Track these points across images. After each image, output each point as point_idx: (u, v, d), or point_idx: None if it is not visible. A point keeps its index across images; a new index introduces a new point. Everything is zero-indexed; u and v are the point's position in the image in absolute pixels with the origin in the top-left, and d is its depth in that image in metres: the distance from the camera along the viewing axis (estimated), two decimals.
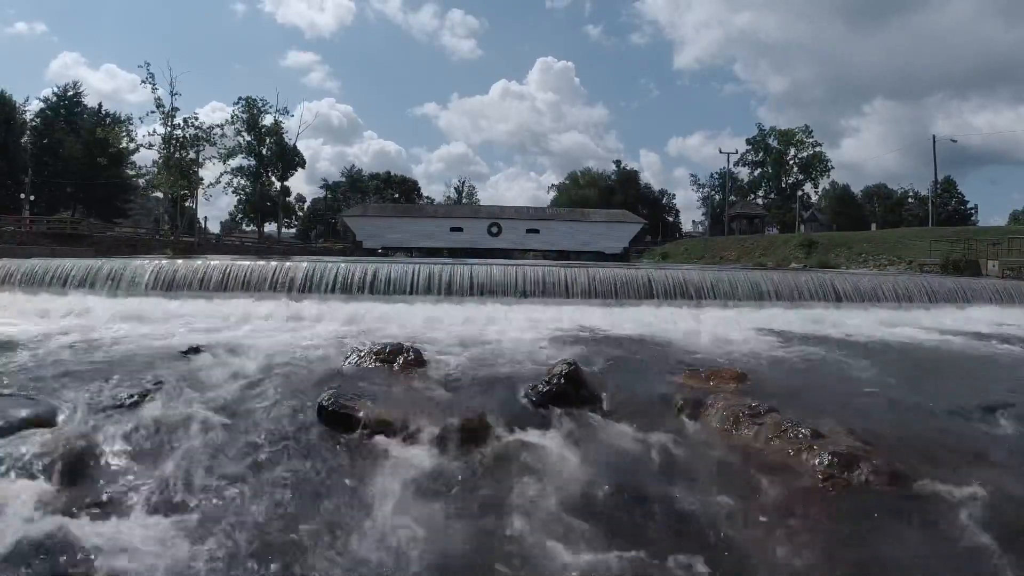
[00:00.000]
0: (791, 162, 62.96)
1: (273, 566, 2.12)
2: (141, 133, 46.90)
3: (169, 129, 42.70)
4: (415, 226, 48.11)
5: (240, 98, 53.14)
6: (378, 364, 4.98)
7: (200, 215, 51.53)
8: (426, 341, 6.41)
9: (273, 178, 56.23)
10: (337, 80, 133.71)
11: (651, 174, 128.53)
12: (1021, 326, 9.31)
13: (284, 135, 54.35)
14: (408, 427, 3.32)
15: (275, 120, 53.25)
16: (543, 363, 5.27)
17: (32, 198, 41.09)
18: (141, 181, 50.69)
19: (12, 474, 2.72)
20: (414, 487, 2.76)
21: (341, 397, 3.61)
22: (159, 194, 47.68)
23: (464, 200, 76.80)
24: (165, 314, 8.40)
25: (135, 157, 48.37)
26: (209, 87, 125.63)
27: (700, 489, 2.81)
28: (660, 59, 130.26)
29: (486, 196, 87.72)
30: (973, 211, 64.95)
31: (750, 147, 64.13)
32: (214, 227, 61.46)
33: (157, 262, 11.37)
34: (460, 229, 47.88)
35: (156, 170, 45.47)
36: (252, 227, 58.08)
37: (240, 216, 59.22)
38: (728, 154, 58.45)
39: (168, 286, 10.33)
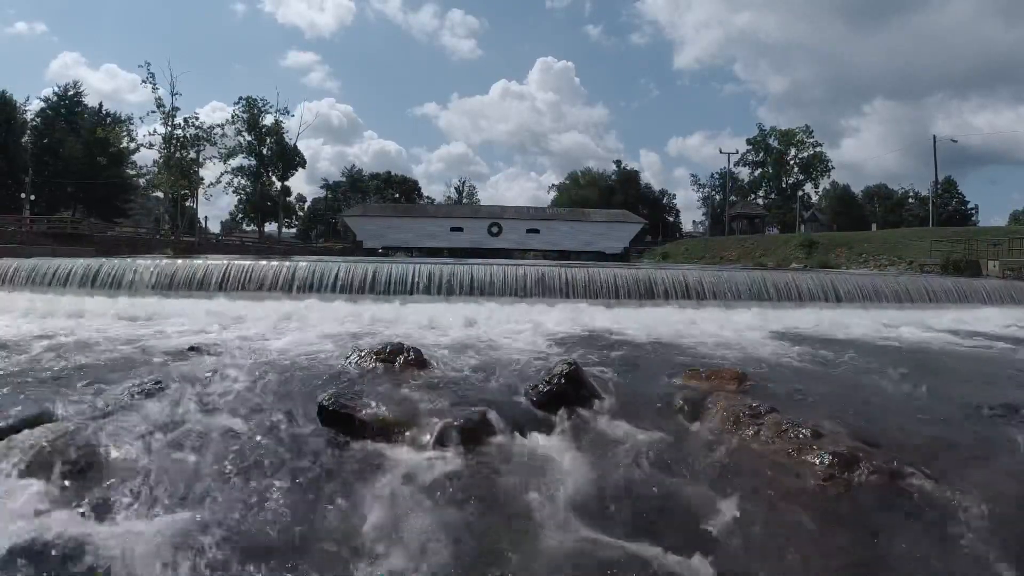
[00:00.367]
0: (791, 162, 62.97)
1: (273, 565, 2.12)
2: (141, 133, 47.23)
3: (169, 129, 42.75)
4: (415, 226, 48.13)
5: (240, 98, 53.32)
6: (378, 364, 4.97)
7: (200, 215, 51.70)
8: (426, 341, 6.41)
9: (273, 178, 56.31)
10: (337, 80, 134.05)
11: (651, 174, 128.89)
12: (1021, 326, 9.31)
13: (284, 135, 54.44)
14: (408, 427, 3.32)
15: (275, 120, 53.41)
16: (543, 363, 5.27)
17: (33, 198, 41.11)
18: (141, 181, 50.81)
19: (12, 473, 2.72)
20: (414, 487, 2.76)
21: (341, 397, 3.60)
22: (159, 194, 47.72)
23: (464, 200, 76.84)
24: (165, 313, 8.41)
25: (135, 157, 48.60)
26: (209, 87, 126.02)
27: (700, 489, 2.81)
28: (660, 59, 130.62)
29: (486, 196, 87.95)
30: (973, 211, 65.02)
31: (750, 147, 64.18)
32: (214, 227, 61.61)
33: (157, 262, 11.38)
34: (460, 229, 47.90)
35: (156, 170, 45.52)
36: (252, 227, 58.13)
37: (240, 216, 59.28)
38: (728, 154, 58.55)
39: (168, 286, 10.34)
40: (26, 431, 3.16)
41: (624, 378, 4.82)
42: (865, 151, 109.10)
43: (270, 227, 58.88)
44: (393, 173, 78.77)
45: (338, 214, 61.31)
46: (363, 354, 5.14)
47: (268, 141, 53.86)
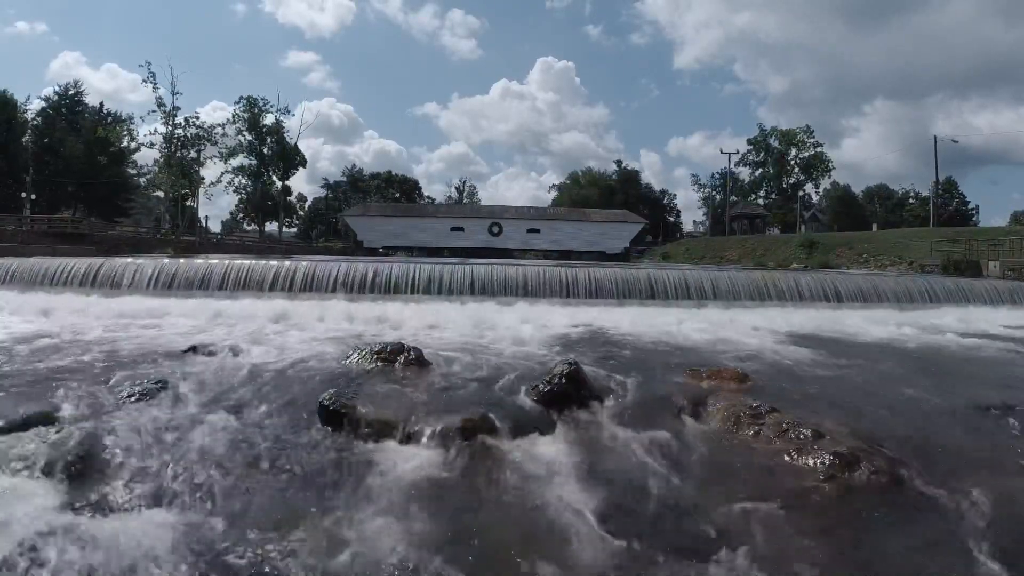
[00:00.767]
0: (792, 162, 62.93)
1: (274, 564, 2.12)
2: (142, 132, 47.18)
3: (170, 128, 42.77)
4: (416, 226, 48.09)
5: (241, 97, 53.31)
6: (379, 363, 4.97)
7: (201, 214, 51.61)
8: (427, 341, 6.41)
9: (274, 177, 56.28)
10: (337, 80, 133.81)
11: (652, 174, 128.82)
12: (1022, 327, 9.30)
13: (285, 134, 54.42)
14: (409, 427, 3.32)
15: (276, 119, 53.39)
16: (544, 363, 5.27)
17: (33, 197, 41.16)
18: (142, 180, 50.84)
19: (14, 472, 2.73)
20: (415, 487, 2.76)
21: (342, 396, 3.61)
22: (160, 193, 47.74)
23: (465, 200, 76.78)
24: (166, 313, 8.41)
25: (136, 156, 48.70)
26: (210, 87, 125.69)
27: (701, 489, 2.81)
28: (660, 59, 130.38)
29: (487, 196, 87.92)
30: (974, 212, 64.89)
31: (751, 147, 64.10)
32: (215, 226, 61.49)
33: (158, 261, 11.38)
34: (461, 229, 47.85)
35: (157, 169, 45.57)
36: (253, 226, 58.12)
37: (241, 215, 59.28)
38: (729, 154, 58.47)
39: (169, 285, 10.35)
40: (26, 430, 3.17)
41: (625, 378, 4.81)
42: (866, 151, 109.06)
43: (271, 227, 58.88)
44: (394, 173, 78.72)
45: (339, 214, 61.29)
46: (364, 354, 5.14)
47: (269, 141, 53.86)
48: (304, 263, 11.02)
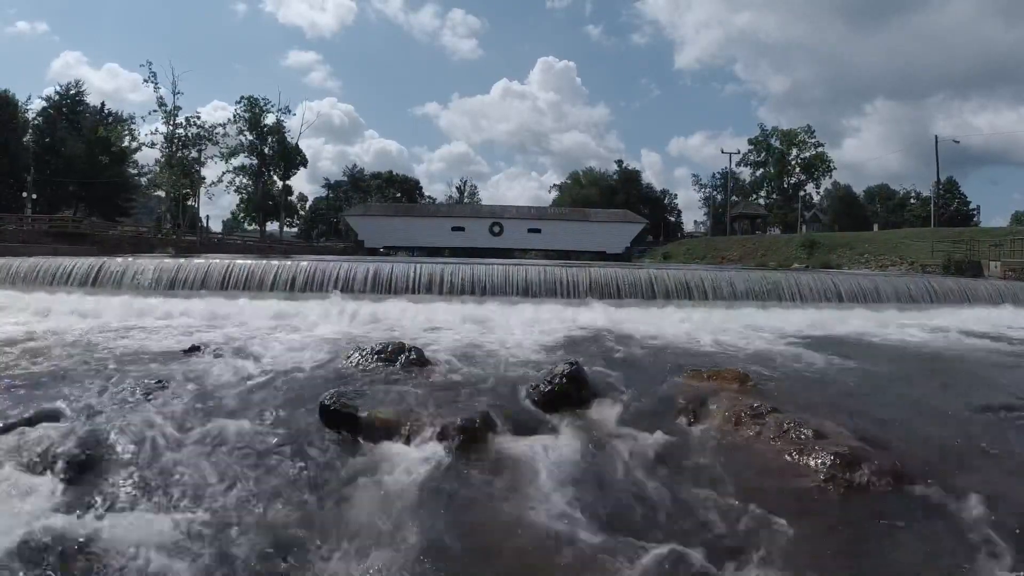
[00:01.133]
0: (793, 162, 62.85)
1: (274, 564, 2.13)
2: (143, 132, 47.14)
3: (171, 128, 42.76)
4: (417, 225, 48.06)
5: (242, 97, 53.30)
6: (380, 363, 4.98)
7: (202, 214, 51.44)
8: (428, 340, 6.41)
9: (275, 177, 56.26)
10: (338, 80, 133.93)
11: (652, 174, 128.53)
12: (1022, 327, 9.29)
13: (286, 134, 54.41)
14: (410, 426, 3.33)
15: (277, 119, 53.38)
16: (545, 363, 5.27)
17: (34, 197, 41.17)
18: (143, 180, 50.83)
19: (15, 471, 2.73)
20: (416, 486, 2.76)
21: (343, 396, 3.61)
22: (161, 193, 47.72)
23: (466, 200, 76.74)
24: (167, 313, 8.41)
25: (137, 156, 48.64)
26: (211, 86, 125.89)
27: (702, 489, 2.81)
28: (661, 59, 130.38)
29: (487, 196, 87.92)
30: (975, 212, 64.70)
31: (752, 147, 64.00)
32: (216, 226, 61.52)
33: (159, 261, 11.39)
34: (462, 228, 47.82)
35: (158, 169, 45.55)
36: (254, 226, 58.11)
37: (242, 215, 59.22)
38: (730, 154, 58.47)
39: (170, 285, 10.35)
40: (27, 429, 3.17)
41: (626, 378, 4.81)
42: (866, 151, 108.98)
43: (272, 226, 58.83)
44: (394, 172, 78.67)
45: (340, 213, 61.29)
46: (364, 353, 5.14)
47: (270, 140, 53.85)
48: (305, 263, 11.02)
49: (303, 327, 7.51)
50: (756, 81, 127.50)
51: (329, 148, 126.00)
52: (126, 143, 46.74)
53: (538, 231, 48.40)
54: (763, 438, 3.36)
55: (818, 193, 65.51)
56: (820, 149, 62.65)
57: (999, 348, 7.48)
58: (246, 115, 52.56)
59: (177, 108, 42.78)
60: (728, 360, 5.90)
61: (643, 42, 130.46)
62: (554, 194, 76.19)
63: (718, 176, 68.33)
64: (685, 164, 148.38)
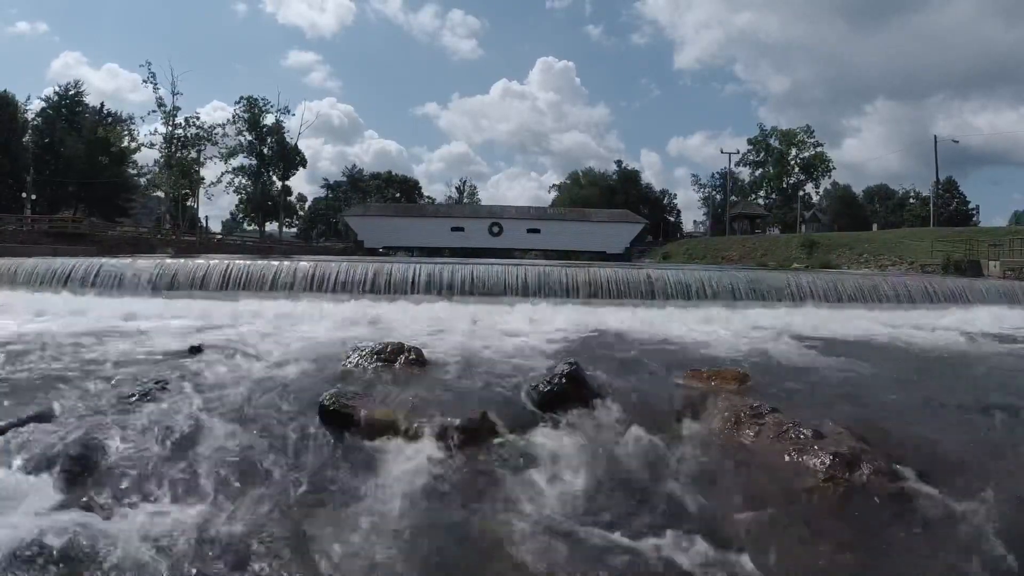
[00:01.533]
0: (792, 162, 62.89)
1: (274, 565, 2.12)
2: (143, 132, 47.17)
3: (171, 128, 42.88)
4: (416, 226, 48.06)
5: (241, 97, 53.44)
6: (379, 364, 4.97)
7: (201, 214, 51.64)
8: (427, 341, 6.41)
9: (274, 177, 56.34)
10: (338, 80, 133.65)
11: (652, 174, 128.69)
12: (1021, 327, 9.30)
13: (285, 134, 54.50)
14: (409, 427, 3.32)
15: (276, 119, 53.48)
16: (545, 362, 5.26)
17: (34, 197, 41.13)
18: (143, 180, 50.84)
19: (14, 472, 2.73)
20: (415, 486, 2.76)
21: (342, 396, 3.60)
22: (160, 193, 47.81)
23: (465, 200, 76.77)
24: (166, 313, 8.41)
25: (137, 156, 48.66)
26: (210, 87, 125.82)
27: (702, 489, 2.81)
28: (660, 59, 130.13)
29: (487, 196, 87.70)
30: (975, 212, 64.80)
31: (751, 147, 64.07)
32: (215, 226, 61.47)
33: (158, 261, 11.39)
34: (461, 229, 47.82)
35: (157, 169, 45.62)
36: (253, 226, 58.15)
37: (241, 216, 59.29)
38: (729, 154, 58.54)
39: (169, 285, 10.35)
40: (26, 430, 3.17)
41: (626, 378, 4.81)
42: (866, 151, 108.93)
43: (271, 227, 58.90)
44: (394, 173, 78.72)
45: (339, 214, 61.25)
46: (364, 354, 5.14)
47: (269, 141, 53.94)
48: (304, 263, 11.03)
49: (302, 327, 7.51)
50: (756, 81, 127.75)
51: (328, 148, 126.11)
52: (125, 143, 46.84)
53: (537, 231, 48.40)
54: (763, 438, 3.36)
55: (817, 193, 65.65)
56: (819, 149, 62.79)
57: (999, 348, 7.48)
58: (245, 115, 52.67)
59: (176, 108, 42.95)
60: (728, 360, 5.90)
61: (643, 42, 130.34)
62: (554, 194, 76.30)
63: (717, 176, 68.45)
64: (685, 164, 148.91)
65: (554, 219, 50.57)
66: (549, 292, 10.44)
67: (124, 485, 2.69)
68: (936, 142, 46.02)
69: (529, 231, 48.38)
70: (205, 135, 46.64)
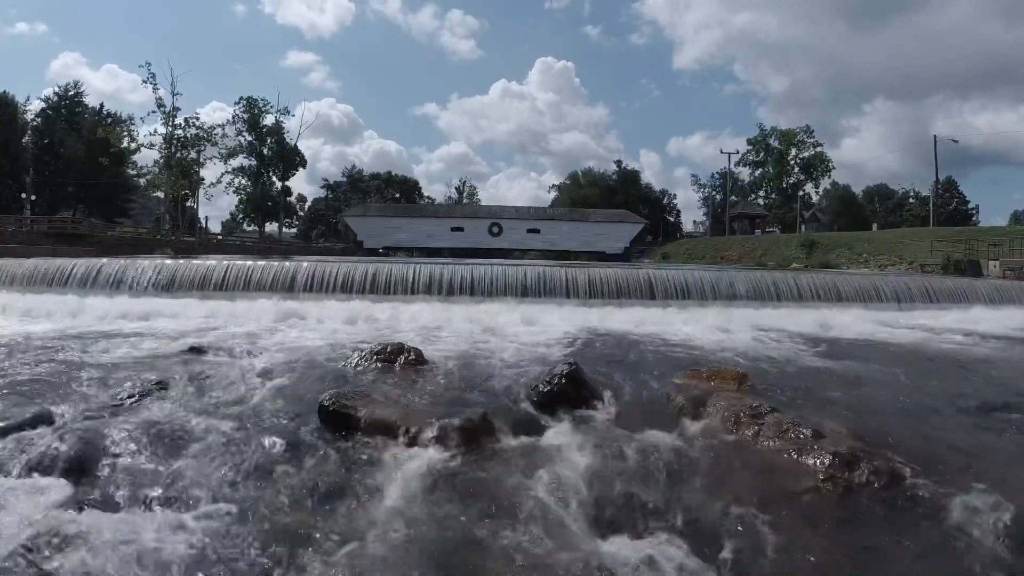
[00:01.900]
0: (792, 162, 62.91)
1: (273, 565, 2.13)
2: (142, 133, 47.19)
3: (170, 129, 42.88)
4: (416, 226, 48.05)
5: (241, 98, 53.42)
6: (379, 364, 4.98)
7: (201, 215, 51.64)
8: (427, 341, 6.42)
9: (274, 178, 56.33)
10: (337, 80, 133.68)
11: (652, 174, 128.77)
12: (1021, 327, 9.31)
13: (285, 135, 54.49)
14: (409, 427, 3.32)
15: (276, 120, 53.47)
16: (544, 363, 5.27)
17: (33, 198, 41.14)
18: (142, 181, 50.83)
19: (13, 472, 2.73)
20: (415, 487, 2.76)
21: (342, 397, 3.61)
22: (160, 194, 47.81)
23: (465, 200, 76.74)
24: (166, 314, 8.42)
25: (136, 157, 48.67)
26: (210, 87, 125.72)
27: (701, 489, 2.81)
28: (660, 59, 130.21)
29: (487, 196, 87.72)
30: (974, 211, 64.88)
31: (751, 147, 64.08)
32: (215, 227, 61.57)
33: (158, 262, 11.38)
34: (461, 229, 47.81)
35: (157, 170, 45.63)
36: (253, 227, 58.13)
37: (241, 216, 59.26)
38: (729, 154, 58.52)
39: (169, 286, 10.35)
40: (26, 431, 3.17)
41: (625, 378, 4.82)
42: (866, 151, 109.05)
43: (271, 227, 58.90)
44: (393, 173, 78.71)
45: (339, 214, 61.29)
46: (364, 354, 5.15)
47: (268, 141, 53.92)
48: (304, 264, 11.03)
49: (302, 328, 7.51)
50: (755, 81, 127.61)
51: (328, 149, 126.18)
52: (125, 144, 46.81)
53: (537, 231, 48.40)
54: (762, 438, 3.36)
55: (817, 193, 65.66)
56: (819, 149, 62.81)
57: (998, 348, 7.49)
58: (245, 116, 52.65)
59: (176, 109, 42.98)
60: (727, 360, 5.91)
61: (642, 42, 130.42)
62: (553, 194, 76.31)
63: (717, 176, 68.49)
64: (684, 164, 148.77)
65: (554, 219, 50.57)
66: (549, 292, 10.45)
67: (124, 486, 2.69)
68: (936, 142, 46.07)
69: (529, 231, 48.38)
70: (205, 135, 46.66)
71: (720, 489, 2.81)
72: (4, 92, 41.72)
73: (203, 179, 49.63)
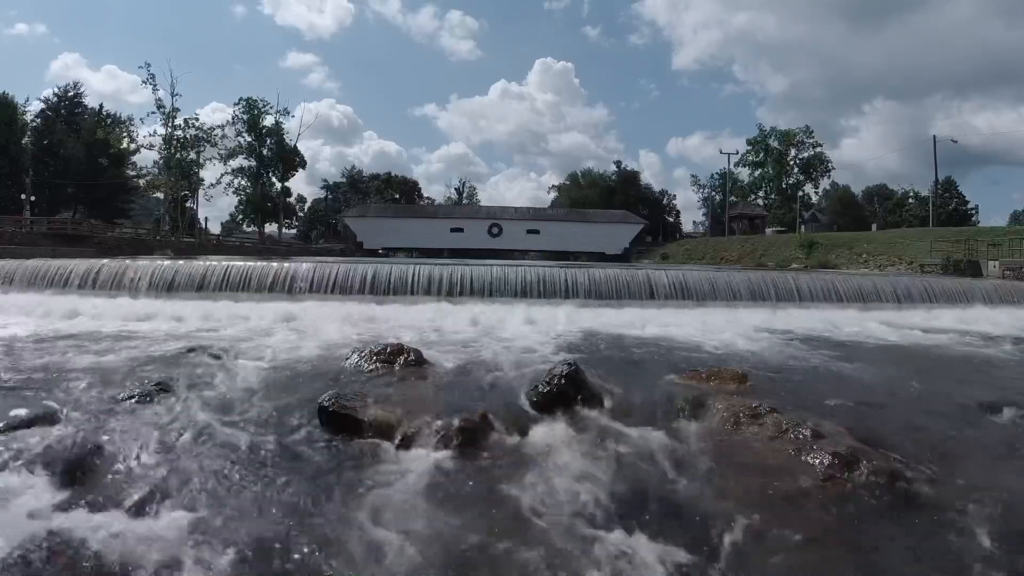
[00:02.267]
0: (792, 163, 62.94)
1: (273, 566, 2.13)
2: (142, 134, 47.14)
3: (170, 130, 42.88)
4: (416, 227, 48.04)
5: (241, 99, 53.38)
6: (379, 365, 4.98)
7: (201, 216, 51.65)
8: (427, 342, 6.42)
9: (274, 179, 56.33)
10: (337, 81, 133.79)
11: (651, 174, 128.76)
12: (1021, 327, 9.31)
13: (284, 136, 54.48)
14: (409, 428, 3.32)
15: (275, 121, 53.47)
16: (544, 363, 5.26)
17: (33, 199, 41.10)
18: (142, 182, 50.83)
19: (13, 473, 2.73)
20: (414, 487, 2.76)
21: (341, 398, 3.60)
22: (160, 195, 47.79)
23: (464, 201, 76.66)
24: (165, 315, 8.41)
25: (136, 158, 48.72)
26: (209, 88, 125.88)
27: (701, 490, 2.81)
28: (659, 60, 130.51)
29: (486, 197, 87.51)
30: (974, 211, 64.87)
31: (751, 147, 64.10)
32: (215, 228, 61.57)
33: (158, 263, 11.38)
34: (460, 230, 47.81)
35: (157, 171, 45.63)
36: (253, 228, 58.11)
37: (241, 217, 59.25)
38: (728, 155, 58.44)
39: (168, 287, 10.35)
40: (26, 431, 3.17)
41: (625, 378, 4.82)
42: (865, 151, 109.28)
43: (270, 228, 58.88)
44: (393, 174, 78.56)
45: (338, 215, 61.25)
46: (363, 355, 5.14)
47: (268, 142, 53.92)
48: (303, 264, 11.03)
49: (302, 329, 7.50)
50: (755, 81, 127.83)
51: (328, 149, 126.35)
52: (125, 145, 46.82)
53: (537, 232, 48.40)
54: (761, 438, 3.36)
55: (817, 193, 65.71)
56: (819, 149, 62.87)
57: (997, 348, 7.49)
58: (244, 117, 52.66)
59: (176, 110, 42.98)
60: (726, 360, 5.91)
61: (641, 43, 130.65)
62: (553, 195, 76.29)
63: (717, 176, 68.44)
64: (684, 165, 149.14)
65: (553, 220, 50.57)
66: (548, 293, 10.45)
67: (123, 487, 2.69)
68: (935, 142, 46.09)
69: (528, 232, 48.38)
70: (204, 136, 46.67)
71: (720, 489, 2.81)
72: (4, 93, 41.76)
73: (203, 180, 49.70)
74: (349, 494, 2.70)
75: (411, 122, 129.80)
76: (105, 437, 3.16)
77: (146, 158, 47.69)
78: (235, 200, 56.10)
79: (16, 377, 4.63)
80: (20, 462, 2.82)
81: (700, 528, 2.46)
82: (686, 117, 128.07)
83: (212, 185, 51.03)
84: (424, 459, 3.05)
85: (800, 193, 62.25)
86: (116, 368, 5.00)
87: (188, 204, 49.73)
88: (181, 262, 11.63)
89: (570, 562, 2.20)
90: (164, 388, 4.15)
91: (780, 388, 4.76)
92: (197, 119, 46.19)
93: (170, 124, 42.75)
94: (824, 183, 65.04)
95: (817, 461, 2.99)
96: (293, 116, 57.03)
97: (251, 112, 52.76)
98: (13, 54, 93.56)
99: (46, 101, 48.80)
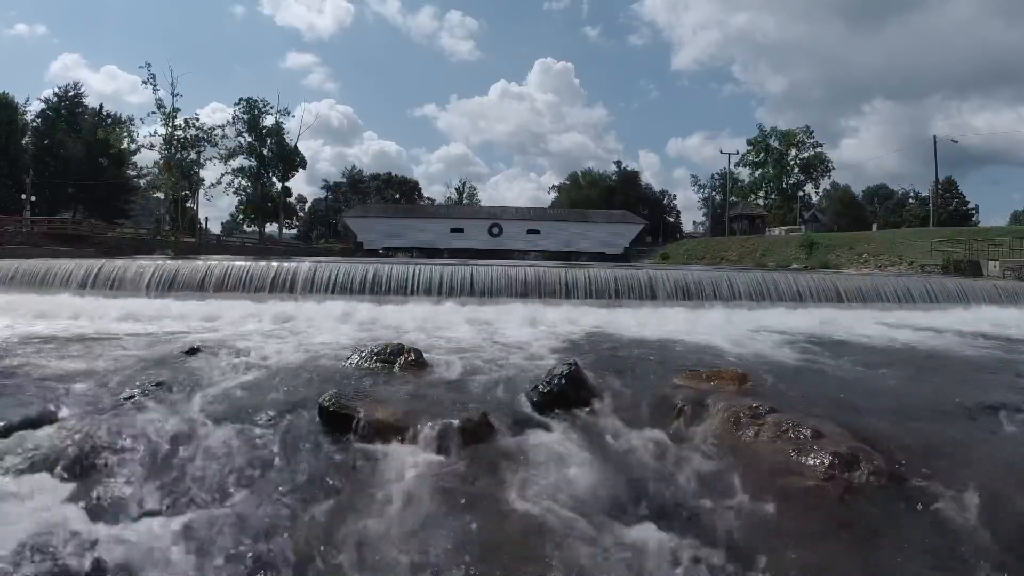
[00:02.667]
0: (792, 163, 62.96)
1: (273, 567, 2.13)
2: (142, 134, 47.19)
3: (170, 130, 42.84)
4: (416, 227, 48.04)
5: (241, 99, 53.45)
6: (379, 365, 4.98)
7: (201, 216, 51.49)
8: (427, 342, 6.41)
9: (274, 179, 56.36)
10: (337, 81, 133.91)
11: (651, 174, 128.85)
12: (1021, 327, 9.30)
13: (285, 136, 54.51)
14: (409, 427, 3.32)
15: (276, 121, 53.50)
16: (544, 363, 5.26)
17: (33, 199, 41.11)
18: (142, 182, 50.85)
19: (13, 473, 2.73)
20: (414, 487, 2.76)
21: (342, 398, 3.61)
22: (160, 195, 47.81)
23: (465, 201, 76.69)
24: (166, 315, 8.42)
25: (136, 158, 48.74)
26: (210, 88, 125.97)
27: (701, 490, 2.81)
28: (659, 60, 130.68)
29: (486, 197, 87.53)
30: (974, 211, 64.79)
31: (751, 148, 64.15)
32: (215, 228, 61.59)
33: (158, 263, 11.39)
34: (461, 230, 47.82)
35: (157, 171, 45.61)
36: (253, 228, 58.13)
37: (241, 217, 59.28)
38: (729, 155, 58.43)
39: (168, 286, 10.36)
40: (28, 431, 3.17)
41: (625, 379, 4.81)
42: (865, 151, 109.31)
43: (271, 228, 58.92)
44: (393, 174, 78.61)
45: (338, 215, 61.31)
46: (363, 355, 5.14)
47: (268, 142, 53.97)
48: (304, 264, 11.03)
49: (302, 329, 7.51)
50: (754, 82, 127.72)
51: (328, 149, 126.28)
52: (125, 145, 46.84)
53: (537, 232, 48.42)
54: (762, 438, 3.36)
55: (817, 193, 65.73)
56: (819, 149, 62.94)
57: (998, 348, 7.48)
58: (245, 117, 52.72)
59: (176, 110, 42.92)
60: (726, 360, 5.91)
61: (641, 43, 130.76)
62: (553, 195, 76.34)
63: (717, 177, 68.44)
64: (684, 165, 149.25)
65: (553, 220, 50.58)
66: (548, 293, 10.45)
67: (123, 487, 2.69)
68: (935, 142, 46.09)
69: (529, 232, 48.39)
70: (204, 136, 46.68)
71: (720, 489, 2.81)
72: (4, 93, 41.74)
73: (203, 180, 49.73)
74: (349, 494, 2.70)
75: (411, 122, 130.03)
76: (105, 436, 3.16)
77: (146, 158, 47.76)
78: (235, 200, 56.19)
79: (16, 376, 4.63)
80: (20, 462, 2.82)
81: (700, 528, 2.46)
82: (686, 117, 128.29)
83: (212, 185, 51.14)
84: (424, 458, 3.05)
85: (800, 193, 62.31)
86: (116, 368, 5.00)
87: (188, 204, 49.74)
88: (182, 262, 11.64)
89: (570, 562, 2.20)
90: (164, 388, 4.15)
91: (780, 388, 4.75)
92: (197, 119, 46.23)
93: (170, 124, 42.73)
94: (824, 183, 65.13)
95: (817, 461, 2.99)
96: (293, 116, 57.20)
97: (251, 112, 52.81)
98: (13, 54, 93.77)
99: (46, 101, 48.82)
